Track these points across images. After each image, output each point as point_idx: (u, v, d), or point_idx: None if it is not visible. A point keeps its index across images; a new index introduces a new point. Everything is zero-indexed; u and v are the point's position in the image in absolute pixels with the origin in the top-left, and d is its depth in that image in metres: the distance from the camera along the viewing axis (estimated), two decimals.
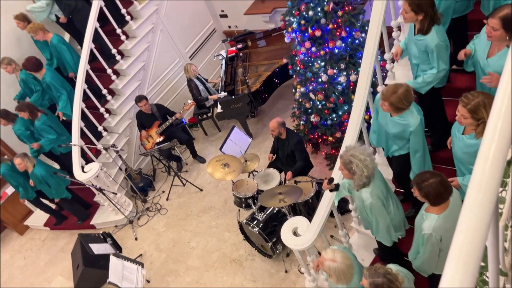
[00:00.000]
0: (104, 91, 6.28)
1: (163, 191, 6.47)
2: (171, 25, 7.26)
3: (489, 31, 2.74)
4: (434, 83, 3.24)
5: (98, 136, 6.32)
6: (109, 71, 6.24)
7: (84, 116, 5.93)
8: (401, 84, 3.04)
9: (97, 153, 6.43)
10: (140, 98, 6.11)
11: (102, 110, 6.22)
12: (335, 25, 4.69)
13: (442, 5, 3.41)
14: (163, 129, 6.30)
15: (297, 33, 4.88)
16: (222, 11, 8.11)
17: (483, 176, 1.37)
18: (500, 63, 2.76)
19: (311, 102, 5.30)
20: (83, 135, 5.89)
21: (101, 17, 6.08)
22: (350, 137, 3.68)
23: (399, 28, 4.08)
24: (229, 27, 8.29)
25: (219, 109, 6.52)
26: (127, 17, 6.39)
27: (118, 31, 6.29)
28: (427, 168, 3.24)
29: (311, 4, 4.54)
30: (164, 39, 7.17)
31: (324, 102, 5.12)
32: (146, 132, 6.36)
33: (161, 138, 6.34)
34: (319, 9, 4.55)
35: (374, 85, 4.36)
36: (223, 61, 7.09)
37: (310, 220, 3.62)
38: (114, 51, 6.24)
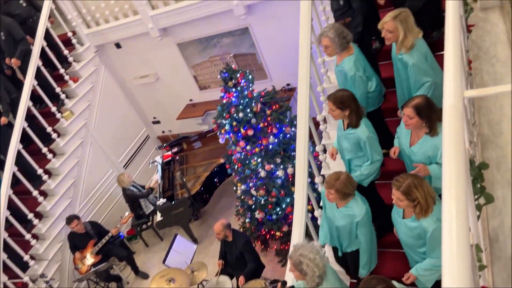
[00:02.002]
0: (30, 216, 5.76)
1: None
2: (101, 137, 7.12)
3: (406, 120, 2.92)
4: (374, 174, 3.32)
5: (24, 266, 5.63)
6: (35, 193, 5.80)
7: (6, 246, 5.30)
8: (341, 171, 3.09)
9: (23, 286, 5.67)
10: (71, 219, 5.65)
11: (28, 236, 5.64)
12: (266, 123, 4.86)
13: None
14: (99, 248, 5.79)
15: (231, 134, 4.97)
16: (154, 117, 8.19)
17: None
18: (422, 151, 2.92)
19: (254, 199, 5.25)
20: (6, 268, 5.22)
21: (25, 137, 5.80)
22: (297, 234, 3.59)
23: (325, 121, 4.29)
24: (163, 132, 8.33)
25: (159, 217, 6.21)
26: (54, 135, 6.18)
27: (44, 150, 6.01)
28: (374, 262, 3.20)
29: (240, 107, 4.70)
30: (95, 152, 6.96)
31: (266, 197, 5.09)
32: (80, 253, 5.80)
33: (97, 259, 5.79)
34: (248, 110, 4.72)
35: (311, 175, 4.43)
36: (159, 167, 6.96)
37: None
38: (40, 171, 5.89)
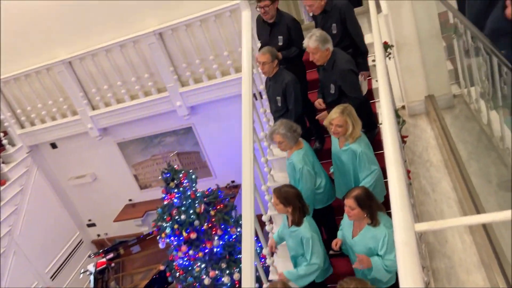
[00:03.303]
0: None
1: None
2: (27, 244, 6.42)
3: (347, 211, 2.92)
4: (311, 277, 3.17)
5: None
6: None
7: None
8: (277, 281, 2.95)
9: None
10: None
11: None
12: (210, 224, 4.64)
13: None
14: None
15: (172, 237, 4.65)
16: (89, 220, 7.62)
17: None
18: (364, 242, 2.88)
19: None
20: None
21: None
22: None
23: (271, 221, 4.17)
24: (98, 235, 7.71)
25: None
26: None
27: None
28: None
29: (182, 208, 4.49)
30: (18, 262, 6.20)
31: None
32: None
33: None
34: (191, 211, 4.50)
35: (259, 280, 4.16)
36: (92, 277, 6.26)
37: None
38: None
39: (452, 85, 3.87)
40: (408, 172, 2.81)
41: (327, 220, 3.69)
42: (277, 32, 4.08)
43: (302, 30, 4.12)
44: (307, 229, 3.16)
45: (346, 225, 3.12)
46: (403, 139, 3.22)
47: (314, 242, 3.11)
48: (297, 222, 3.20)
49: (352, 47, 3.71)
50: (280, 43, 4.06)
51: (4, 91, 6.52)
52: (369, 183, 3.07)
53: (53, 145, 6.96)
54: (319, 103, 3.87)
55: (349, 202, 2.82)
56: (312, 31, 3.49)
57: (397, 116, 3.09)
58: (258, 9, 4.03)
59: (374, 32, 3.35)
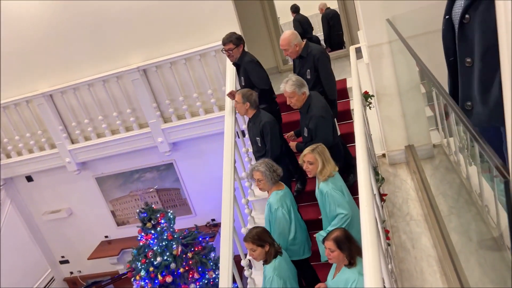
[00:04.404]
0: None
1: None
2: None
3: (327, 254, 2.87)
4: None
5: None
6: None
7: None
8: None
9: None
10: None
11: None
12: (187, 267, 4.47)
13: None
14: None
15: (146, 280, 4.46)
16: (63, 257, 7.31)
17: None
18: (337, 283, 2.82)
19: None
20: None
21: None
22: None
23: (250, 266, 4.05)
24: (71, 273, 7.37)
25: None
26: None
27: None
28: None
29: (158, 250, 4.33)
30: None
31: None
32: None
33: None
34: (167, 254, 4.34)
35: None
36: None
37: None
38: None
39: (431, 131, 3.91)
40: (387, 232, 2.77)
41: (305, 273, 3.60)
42: (240, 73, 4.21)
43: (261, 71, 4.18)
44: (271, 268, 3.09)
45: (332, 267, 3.07)
46: (382, 197, 3.21)
47: (273, 283, 3.02)
48: (266, 260, 3.15)
49: (324, 94, 3.79)
50: (243, 83, 4.17)
51: None
52: (335, 227, 3.03)
53: (29, 178, 6.74)
54: (290, 134, 4.01)
55: (329, 244, 2.80)
56: (288, 76, 3.56)
57: (376, 173, 3.08)
58: (223, 51, 4.14)
59: (353, 79, 3.40)
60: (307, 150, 3.22)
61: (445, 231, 2.40)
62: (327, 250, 2.86)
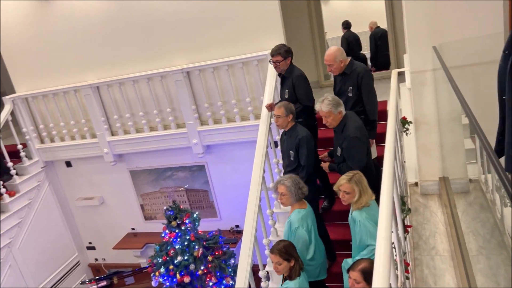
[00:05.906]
0: None
1: None
2: (24, 259, 6.37)
3: (352, 284, 2.76)
4: None
5: None
6: None
7: None
8: None
9: None
10: None
11: None
12: (206, 270, 4.52)
13: None
14: None
15: (165, 277, 4.54)
16: (90, 243, 7.56)
17: None
18: None
19: None
20: None
21: None
22: None
23: (268, 278, 4.02)
24: (96, 260, 7.61)
25: None
26: None
27: None
28: None
29: (180, 249, 4.40)
30: (11, 276, 6.14)
31: None
32: None
33: None
34: (188, 254, 4.40)
35: None
36: None
37: None
38: None
39: (470, 165, 3.76)
40: (407, 265, 2.67)
41: None
42: (285, 85, 4.18)
43: (309, 87, 4.17)
44: (295, 286, 3.03)
45: None
46: (406, 229, 3.10)
47: None
48: (290, 276, 3.09)
49: (364, 114, 3.72)
50: (286, 96, 4.14)
51: (31, 106, 6.73)
52: (363, 257, 2.94)
53: (68, 164, 7.05)
54: (324, 155, 3.96)
55: (354, 275, 2.67)
56: (324, 95, 3.53)
57: (403, 203, 2.99)
58: (270, 62, 4.16)
59: (390, 103, 3.33)
60: (343, 180, 3.10)
61: (470, 271, 2.29)
62: (352, 281, 2.73)
